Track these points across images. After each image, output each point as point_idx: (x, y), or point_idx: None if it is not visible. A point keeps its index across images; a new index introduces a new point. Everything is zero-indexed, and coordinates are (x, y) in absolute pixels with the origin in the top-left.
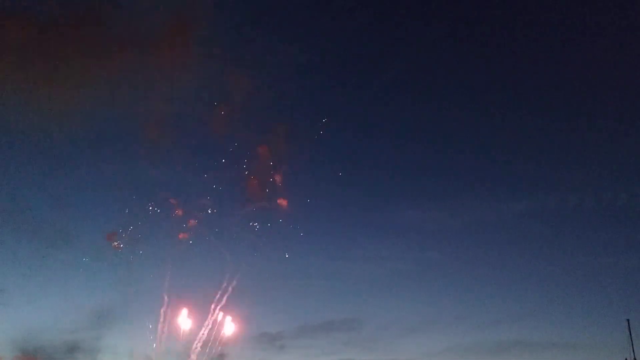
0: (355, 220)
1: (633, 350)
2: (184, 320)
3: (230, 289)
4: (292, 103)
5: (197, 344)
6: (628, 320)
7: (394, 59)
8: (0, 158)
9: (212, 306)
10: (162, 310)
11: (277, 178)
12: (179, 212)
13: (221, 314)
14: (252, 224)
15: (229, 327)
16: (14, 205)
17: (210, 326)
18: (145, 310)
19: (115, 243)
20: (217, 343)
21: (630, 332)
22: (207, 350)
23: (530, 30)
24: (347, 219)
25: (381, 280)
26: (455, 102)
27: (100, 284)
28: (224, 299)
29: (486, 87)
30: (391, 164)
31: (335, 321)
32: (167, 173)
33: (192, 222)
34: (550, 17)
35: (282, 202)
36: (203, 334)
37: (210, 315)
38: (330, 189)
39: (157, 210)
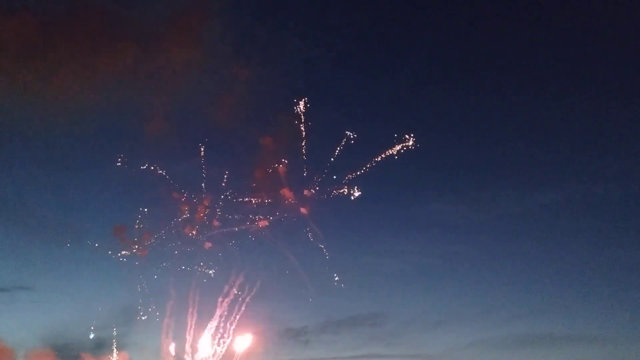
0: (380, 214)
1: None
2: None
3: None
4: (301, 97)
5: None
6: None
7: (411, 52)
8: (14, 158)
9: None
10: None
11: (281, 170)
12: (185, 206)
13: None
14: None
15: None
16: (33, 205)
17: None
18: (169, 307)
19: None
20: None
21: None
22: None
23: (554, 19)
24: (371, 213)
25: (405, 274)
26: (478, 94)
27: (124, 281)
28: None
29: (509, 78)
30: (414, 157)
31: (360, 316)
32: (173, 167)
33: (200, 216)
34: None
35: (287, 193)
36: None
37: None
38: (352, 183)
39: (163, 205)
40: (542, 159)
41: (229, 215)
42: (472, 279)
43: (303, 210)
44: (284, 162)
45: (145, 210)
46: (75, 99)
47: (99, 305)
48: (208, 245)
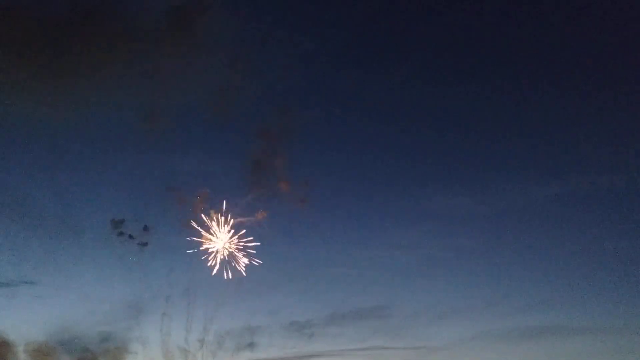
0: (384, 208)
1: None
2: None
3: None
4: (300, 90)
5: None
6: None
7: (414, 43)
8: (15, 154)
9: None
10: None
11: (279, 163)
12: (184, 200)
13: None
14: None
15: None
16: (36, 200)
17: None
18: (173, 301)
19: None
20: None
21: None
22: None
23: (553, 14)
24: (375, 206)
25: (410, 267)
26: (482, 86)
27: (128, 276)
28: None
29: (512, 70)
30: (419, 149)
31: (365, 309)
32: (172, 162)
33: (200, 209)
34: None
35: (284, 185)
36: None
37: None
38: (356, 176)
39: (163, 199)
40: (546, 151)
41: (228, 209)
42: (476, 271)
43: (302, 203)
44: (282, 154)
45: (145, 204)
46: (75, 95)
47: (103, 300)
48: (207, 240)
